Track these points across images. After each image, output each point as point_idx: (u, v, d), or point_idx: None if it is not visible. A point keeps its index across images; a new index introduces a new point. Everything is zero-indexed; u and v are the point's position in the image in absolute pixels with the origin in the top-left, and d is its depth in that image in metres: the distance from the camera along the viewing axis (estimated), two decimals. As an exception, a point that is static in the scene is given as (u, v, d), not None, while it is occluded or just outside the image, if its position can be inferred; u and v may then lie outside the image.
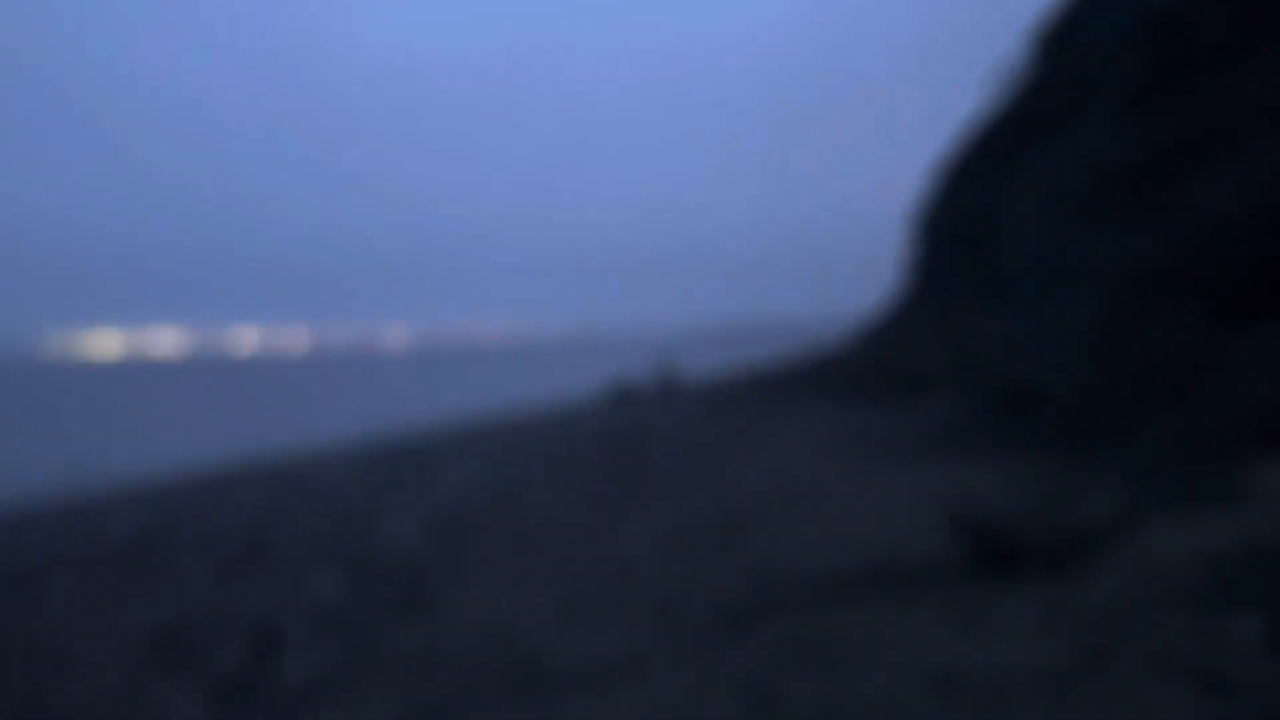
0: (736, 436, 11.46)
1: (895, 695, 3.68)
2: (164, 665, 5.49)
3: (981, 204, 17.52)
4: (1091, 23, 15.80)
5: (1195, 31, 12.08)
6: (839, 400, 14.09)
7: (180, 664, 5.49)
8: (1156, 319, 10.06)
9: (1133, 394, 9.33)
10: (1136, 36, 13.47)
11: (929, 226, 22.25)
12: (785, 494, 7.80)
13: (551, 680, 4.53)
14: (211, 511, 11.30)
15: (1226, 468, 6.94)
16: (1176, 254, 10.30)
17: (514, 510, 8.70)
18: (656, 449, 11.86)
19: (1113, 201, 12.48)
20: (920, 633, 4.33)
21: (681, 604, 5.31)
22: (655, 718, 3.81)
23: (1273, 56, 10.62)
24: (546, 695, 4.32)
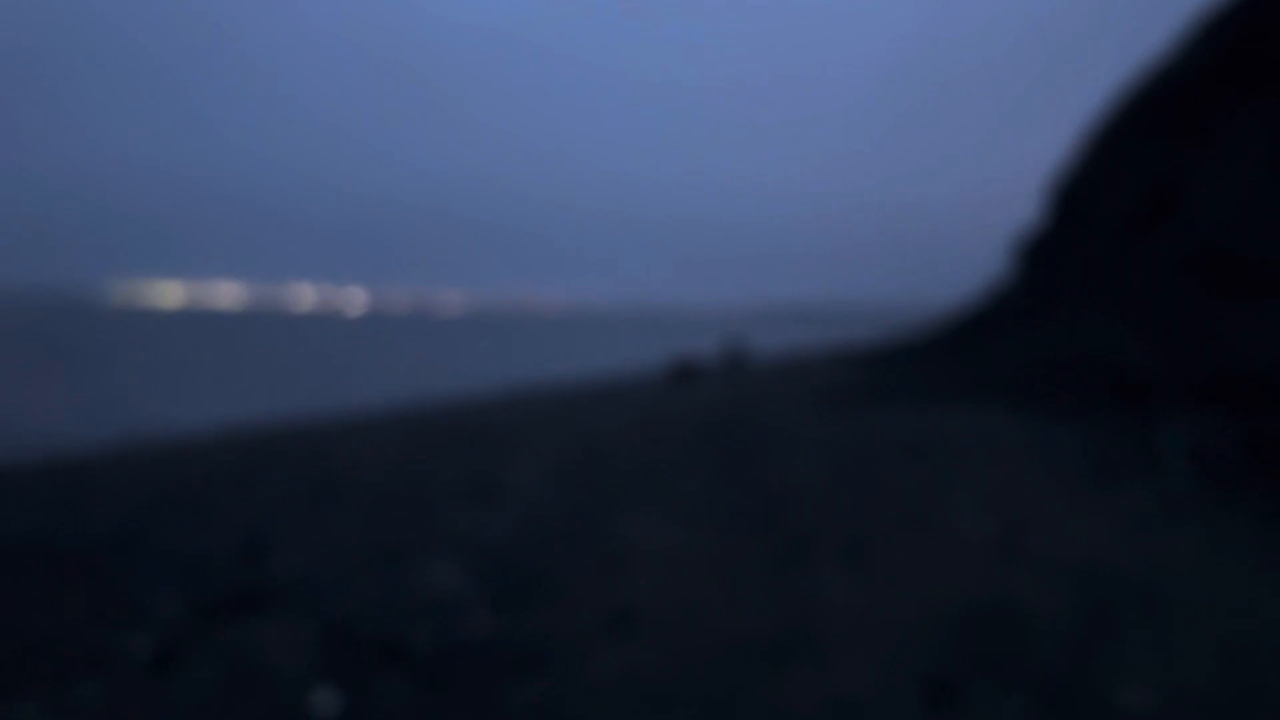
0: (888, 450, 8.64)
1: None
2: None
3: (1161, 170, 14.41)
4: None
5: None
6: (998, 402, 11.21)
7: None
8: None
9: None
10: None
11: (1076, 199, 19.08)
12: (1087, 582, 4.96)
13: None
14: (215, 499, 8.79)
15: None
16: None
17: (607, 550, 5.99)
18: (779, 455, 9.08)
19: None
20: None
21: None
22: None
23: None
24: None
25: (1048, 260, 20.51)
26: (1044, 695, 3.60)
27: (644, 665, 4.01)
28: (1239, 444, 7.56)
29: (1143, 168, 15.23)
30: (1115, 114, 18.23)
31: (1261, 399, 8.22)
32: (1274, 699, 3.59)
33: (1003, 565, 5.04)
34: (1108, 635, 4.27)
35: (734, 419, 12.42)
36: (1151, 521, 6.05)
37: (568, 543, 6.07)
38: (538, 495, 7.79)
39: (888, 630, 4.28)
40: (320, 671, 4.28)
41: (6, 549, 7.16)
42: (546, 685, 3.81)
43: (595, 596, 4.88)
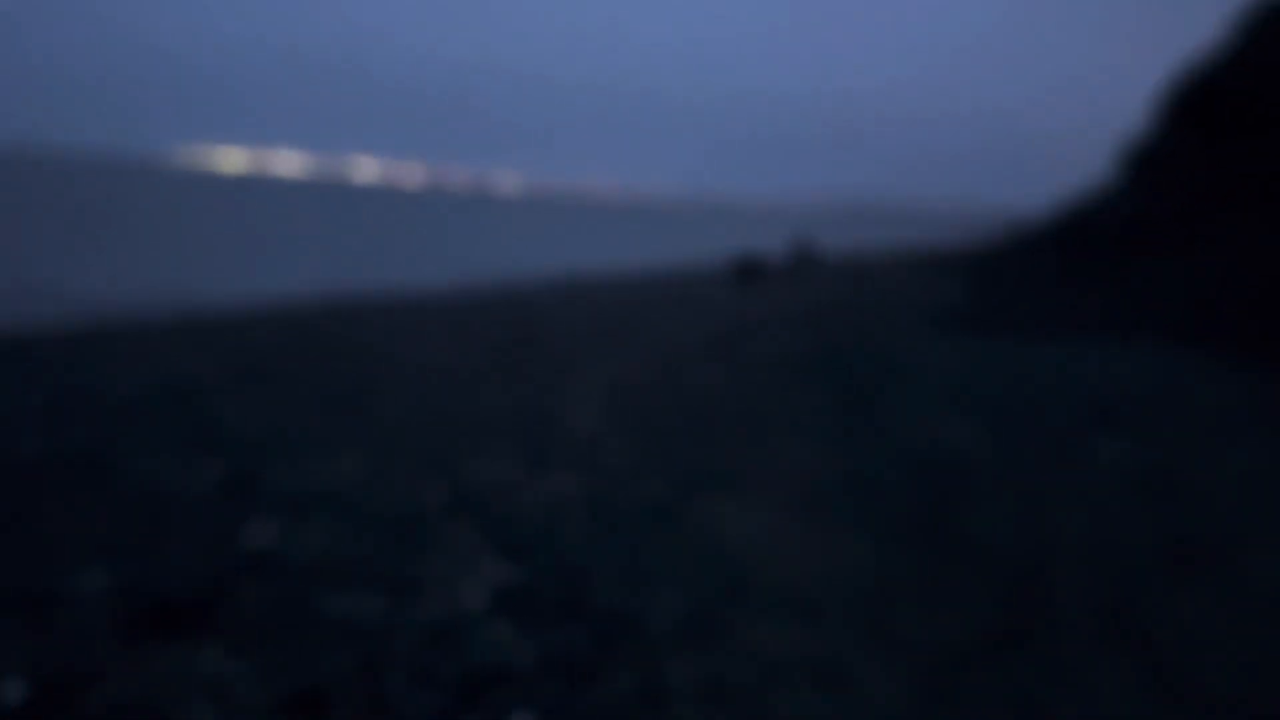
0: (1073, 410, 6.61)
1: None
2: None
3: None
4: None
5: None
6: (1172, 341, 9.06)
7: None
8: None
9: None
10: None
11: (1228, 101, 16.42)
12: None
13: None
14: (218, 402, 7.14)
15: None
16: None
17: (707, 572, 4.17)
18: (918, 406, 7.13)
19: None
20: None
21: None
22: None
23: None
24: None
25: (1181, 170, 17.98)
26: None
27: None
28: None
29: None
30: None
31: None
32: None
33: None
34: None
35: (837, 342, 10.45)
36: None
37: (649, 548, 4.24)
38: (601, 451, 5.96)
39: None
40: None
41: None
42: None
43: (696, 673, 3.06)
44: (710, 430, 6.38)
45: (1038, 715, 2.85)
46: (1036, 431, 6.08)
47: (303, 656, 3.40)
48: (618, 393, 7.75)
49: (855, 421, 6.49)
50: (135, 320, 14.07)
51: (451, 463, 5.83)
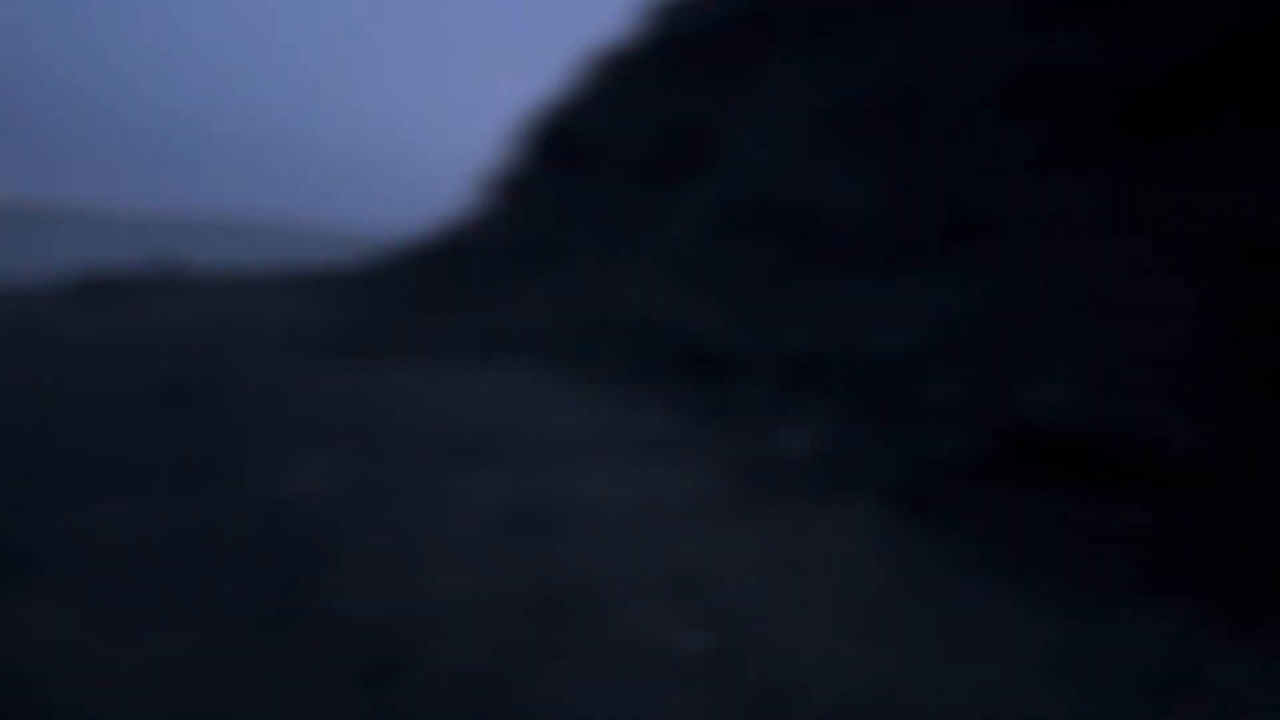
0: (430, 445, 6.24)
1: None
2: None
3: (692, 117, 13.53)
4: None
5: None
6: (542, 364, 9.26)
7: None
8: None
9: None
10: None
11: (579, 140, 17.92)
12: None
13: None
14: None
15: None
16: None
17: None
18: (275, 451, 6.32)
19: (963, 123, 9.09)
20: None
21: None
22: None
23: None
24: None
25: (543, 202, 19.34)
26: None
27: None
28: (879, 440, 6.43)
29: (669, 113, 14.31)
30: (631, 54, 17.33)
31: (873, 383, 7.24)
32: None
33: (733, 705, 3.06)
34: None
35: (193, 371, 9.20)
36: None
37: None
38: None
39: None
40: None
41: None
42: None
43: None
44: (8, 496, 4.99)
45: None
46: (404, 469, 5.66)
47: None
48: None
49: (205, 470, 5.53)
50: None
51: None
